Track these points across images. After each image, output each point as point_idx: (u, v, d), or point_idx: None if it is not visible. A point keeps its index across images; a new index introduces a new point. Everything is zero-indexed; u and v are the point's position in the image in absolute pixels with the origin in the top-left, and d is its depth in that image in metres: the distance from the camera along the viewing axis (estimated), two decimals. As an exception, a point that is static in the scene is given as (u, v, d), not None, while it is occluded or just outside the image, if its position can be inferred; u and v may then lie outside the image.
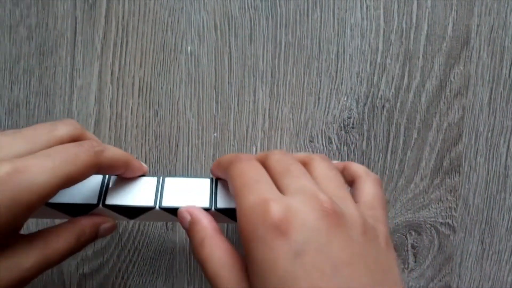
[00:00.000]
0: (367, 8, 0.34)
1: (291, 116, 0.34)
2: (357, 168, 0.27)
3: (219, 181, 0.28)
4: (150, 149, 0.34)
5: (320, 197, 0.21)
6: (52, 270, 0.35)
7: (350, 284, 0.18)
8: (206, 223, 0.24)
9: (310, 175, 0.24)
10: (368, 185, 0.25)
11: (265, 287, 0.19)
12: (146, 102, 0.34)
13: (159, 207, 0.26)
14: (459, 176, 0.35)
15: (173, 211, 0.26)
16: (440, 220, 0.36)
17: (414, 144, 0.35)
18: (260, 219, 0.20)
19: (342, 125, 0.35)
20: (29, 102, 0.34)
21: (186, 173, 0.34)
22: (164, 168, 0.34)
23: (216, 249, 0.23)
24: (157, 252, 0.35)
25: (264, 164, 0.24)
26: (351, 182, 0.26)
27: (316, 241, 0.19)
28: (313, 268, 0.18)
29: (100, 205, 0.26)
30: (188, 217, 0.25)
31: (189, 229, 0.25)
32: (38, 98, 0.34)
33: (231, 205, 0.26)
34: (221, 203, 0.26)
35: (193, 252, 0.24)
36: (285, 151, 0.26)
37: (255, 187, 0.22)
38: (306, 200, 0.21)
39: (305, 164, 0.25)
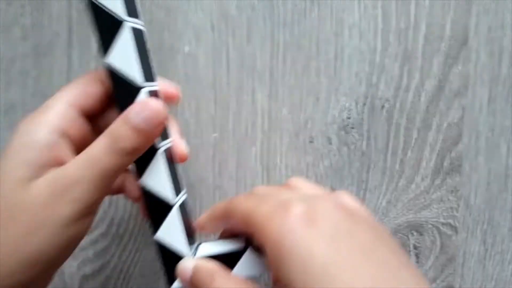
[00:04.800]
0: (365, 7, 0.34)
1: (290, 117, 0.34)
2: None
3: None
4: (147, 150, 0.34)
5: (329, 196, 0.23)
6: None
7: (384, 266, 0.19)
8: (212, 264, 0.24)
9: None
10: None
11: (306, 276, 0.19)
12: (143, 103, 0.33)
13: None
14: (460, 176, 0.35)
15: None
16: (442, 220, 0.35)
17: (414, 144, 0.35)
18: (284, 216, 0.20)
19: (341, 125, 0.34)
20: (26, 103, 0.33)
21: (184, 174, 0.34)
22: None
23: (229, 281, 0.22)
24: (155, 255, 0.34)
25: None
26: None
27: (344, 226, 0.20)
28: (349, 252, 0.19)
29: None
30: (189, 270, 0.24)
31: (194, 277, 0.23)
32: (34, 99, 0.33)
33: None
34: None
35: None
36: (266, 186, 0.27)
37: (264, 201, 0.22)
38: (317, 199, 0.22)
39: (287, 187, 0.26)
